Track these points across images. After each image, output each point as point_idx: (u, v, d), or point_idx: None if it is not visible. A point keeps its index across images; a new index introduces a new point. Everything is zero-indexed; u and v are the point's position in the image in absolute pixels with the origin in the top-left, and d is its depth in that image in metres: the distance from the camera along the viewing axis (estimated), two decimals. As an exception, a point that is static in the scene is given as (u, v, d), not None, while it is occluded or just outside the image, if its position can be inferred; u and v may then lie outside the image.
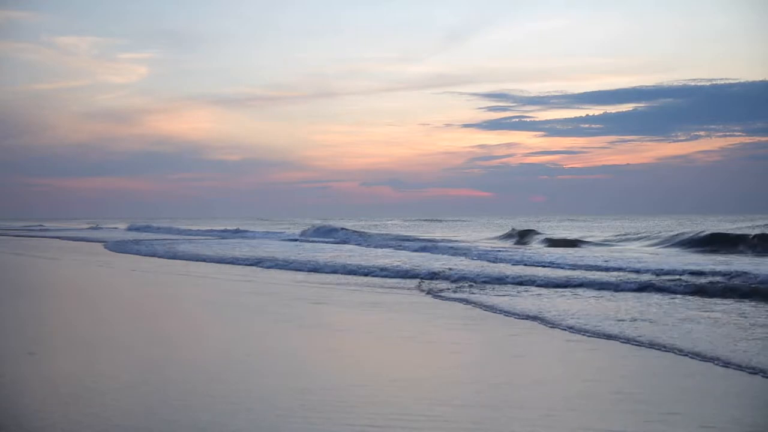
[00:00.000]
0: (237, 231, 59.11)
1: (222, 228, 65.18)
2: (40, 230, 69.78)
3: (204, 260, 25.06)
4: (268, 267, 21.87)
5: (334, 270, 19.95)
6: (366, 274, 18.85)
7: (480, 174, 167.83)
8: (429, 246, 30.42)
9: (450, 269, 18.95)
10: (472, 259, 23.64)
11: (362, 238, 40.74)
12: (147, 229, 67.21)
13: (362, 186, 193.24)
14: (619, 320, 10.48)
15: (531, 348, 8.77)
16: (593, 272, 17.82)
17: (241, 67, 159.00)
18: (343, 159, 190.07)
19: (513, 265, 21.06)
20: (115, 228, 74.07)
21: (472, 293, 14.19)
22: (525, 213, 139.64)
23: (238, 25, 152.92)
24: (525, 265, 21.02)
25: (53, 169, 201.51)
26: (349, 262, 21.89)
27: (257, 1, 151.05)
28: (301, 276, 18.89)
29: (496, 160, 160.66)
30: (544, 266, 20.14)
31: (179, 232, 60.82)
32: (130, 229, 68.98)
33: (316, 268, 20.48)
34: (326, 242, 39.00)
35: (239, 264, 23.25)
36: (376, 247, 33.09)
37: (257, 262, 23.12)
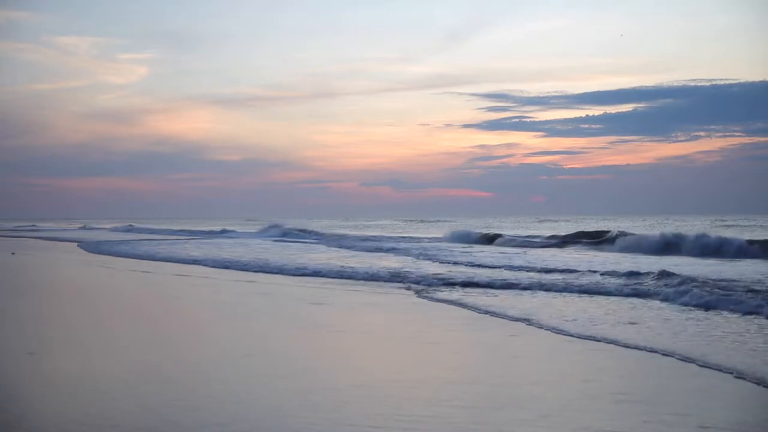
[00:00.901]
0: (223, 231, 59.92)
1: (208, 229, 66.35)
2: (30, 230, 70.32)
3: (177, 261, 25.32)
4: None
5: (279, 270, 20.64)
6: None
7: (480, 174, 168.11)
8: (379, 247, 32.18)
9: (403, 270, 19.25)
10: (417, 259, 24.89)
11: (324, 239, 43.17)
12: (130, 229, 70.07)
13: (362, 186, 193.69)
14: (616, 323, 10.52)
15: (529, 349, 8.78)
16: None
17: (241, 67, 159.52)
18: (342, 159, 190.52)
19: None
20: (102, 228, 76.38)
21: (466, 294, 14.22)
22: (525, 213, 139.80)
23: (238, 25, 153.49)
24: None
25: (53, 169, 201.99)
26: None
27: (257, 1, 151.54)
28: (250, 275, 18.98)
29: (496, 161, 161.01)
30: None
31: (165, 232, 62.28)
32: (114, 230, 71.28)
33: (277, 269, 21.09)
34: (287, 242, 40.87)
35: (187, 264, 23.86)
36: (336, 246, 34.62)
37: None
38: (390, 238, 43.43)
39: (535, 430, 5.45)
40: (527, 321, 10.65)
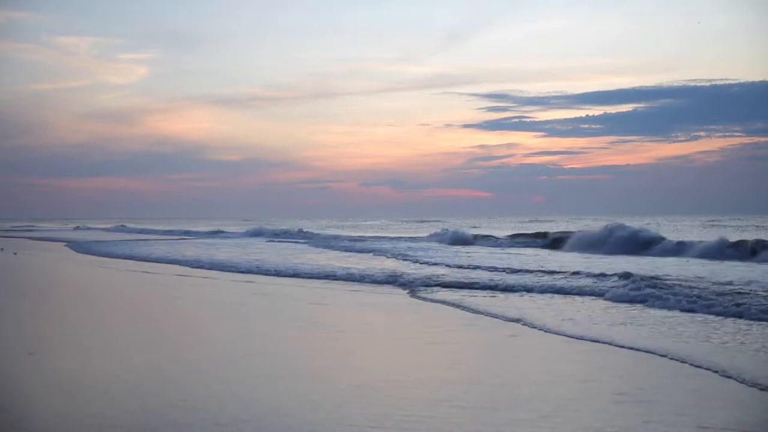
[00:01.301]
0: (216, 232, 60.46)
1: (199, 230, 67.69)
2: (24, 230, 71.09)
3: (157, 261, 25.53)
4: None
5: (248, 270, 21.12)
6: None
7: (480, 174, 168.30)
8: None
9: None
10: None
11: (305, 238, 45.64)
12: (121, 229, 72.90)
13: (362, 186, 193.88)
14: (610, 323, 10.54)
15: (528, 349, 8.79)
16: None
17: (241, 67, 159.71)
18: (342, 159, 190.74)
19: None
20: (96, 228, 78.29)
21: (462, 296, 14.24)
22: (525, 213, 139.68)
23: (238, 25, 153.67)
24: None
25: (53, 169, 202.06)
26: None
27: (257, 1, 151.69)
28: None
29: (496, 161, 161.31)
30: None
31: (155, 232, 63.84)
32: (107, 230, 73.54)
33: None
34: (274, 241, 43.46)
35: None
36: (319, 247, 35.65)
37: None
38: (375, 238, 44.40)
39: (535, 430, 5.46)
40: (522, 321, 10.66)
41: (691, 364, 7.59)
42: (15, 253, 29.90)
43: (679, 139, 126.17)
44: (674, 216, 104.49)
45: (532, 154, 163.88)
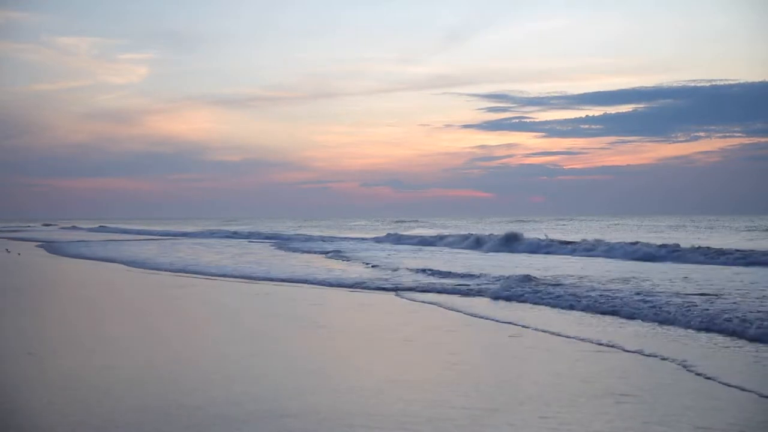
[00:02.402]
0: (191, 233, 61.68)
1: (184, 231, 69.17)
2: (12, 230, 72.14)
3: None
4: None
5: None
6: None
7: (480, 174, 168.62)
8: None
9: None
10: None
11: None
12: (101, 230, 75.47)
13: (362, 186, 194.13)
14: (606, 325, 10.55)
15: (526, 350, 8.79)
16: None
17: (241, 67, 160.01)
18: (342, 159, 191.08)
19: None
20: (82, 228, 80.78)
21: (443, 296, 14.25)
22: (525, 213, 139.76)
23: (238, 25, 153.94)
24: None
25: (53, 169, 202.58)
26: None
27: (257, 1, 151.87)
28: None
29: (496, 161, 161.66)
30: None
31: (133, 232, 65.91)
32: (90, 230, 75.94)
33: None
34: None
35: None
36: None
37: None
38: (334, 238, 46.02)
39: (534, 431, 5.46)
40: (515, 323, 10.65)
41: (686, 366, 7.59)
42: (18, 254, 29.93)
43: (679, 139, 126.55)
44: (674, 216, 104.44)
45: (532, 154, 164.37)
